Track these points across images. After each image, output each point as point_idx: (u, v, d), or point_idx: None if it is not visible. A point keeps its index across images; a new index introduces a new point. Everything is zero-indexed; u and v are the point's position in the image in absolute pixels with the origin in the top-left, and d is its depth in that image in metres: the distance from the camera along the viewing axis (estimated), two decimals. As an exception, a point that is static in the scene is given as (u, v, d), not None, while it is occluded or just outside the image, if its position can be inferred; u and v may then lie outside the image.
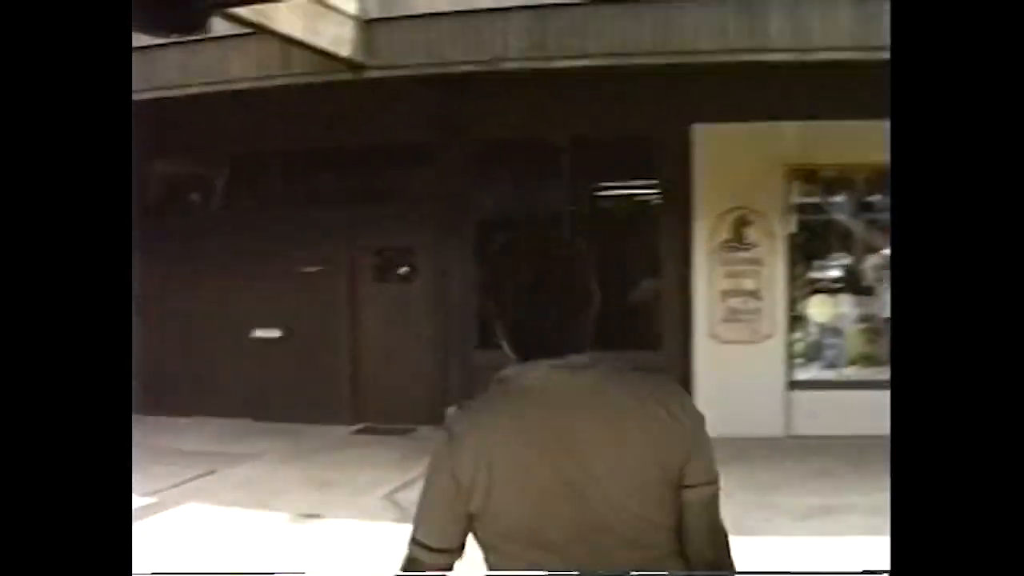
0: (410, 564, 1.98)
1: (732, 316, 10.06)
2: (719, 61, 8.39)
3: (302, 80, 8.90)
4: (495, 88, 9.89)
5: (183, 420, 10.95)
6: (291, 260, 11.25)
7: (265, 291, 11.33)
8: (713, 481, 1.97)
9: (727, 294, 10.08)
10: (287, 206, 11.40)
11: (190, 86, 8.91)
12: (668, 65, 8.59)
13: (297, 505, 7.80)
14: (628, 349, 8.85)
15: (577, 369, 1.91)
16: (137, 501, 7.80)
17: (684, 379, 9.43)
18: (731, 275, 10.07)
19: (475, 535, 1.95)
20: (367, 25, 8.77)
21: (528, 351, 1.94)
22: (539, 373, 1.91)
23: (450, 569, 1.97)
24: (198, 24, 7.38)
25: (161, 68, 8.63)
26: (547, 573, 1.85)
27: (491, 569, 1.95)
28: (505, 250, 2.04)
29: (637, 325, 10.40)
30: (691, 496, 1.93)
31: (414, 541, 1.97)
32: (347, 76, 8.87)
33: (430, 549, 1.95)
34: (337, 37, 8.47)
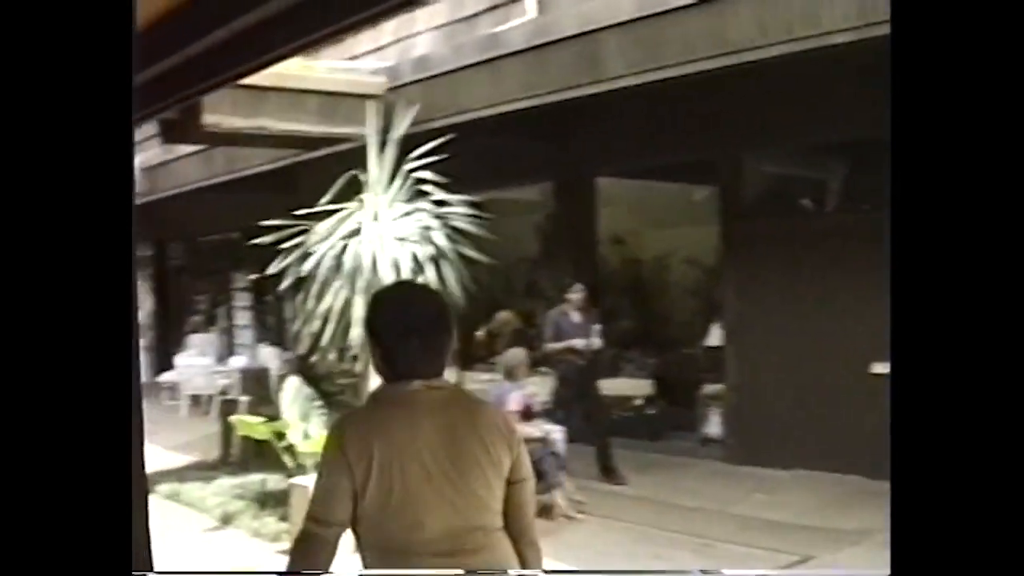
0: (303, 536, 2.49)
1: None
2: None
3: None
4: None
5: (781, 474, 9.03)
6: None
7: (887, 316, 8.91)
8: (530, 477, 2.63)
9: None
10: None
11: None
12: None
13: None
14: None
15: (438, 388, 2.55)
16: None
17: None
18: None
19: (353, 528, 2.49)
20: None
21: (401, 373, 2.53)
22: (411, 388, 2.51)
23: (337, 540, 2.47)
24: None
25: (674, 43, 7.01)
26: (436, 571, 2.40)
27: (364, 550, 2.50)
28: (385, 297, 2.78)
29: None
30: (515, 489, 2.57)
31: (308, 517, 2.48)
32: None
33: (320, 522, 2.45)
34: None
